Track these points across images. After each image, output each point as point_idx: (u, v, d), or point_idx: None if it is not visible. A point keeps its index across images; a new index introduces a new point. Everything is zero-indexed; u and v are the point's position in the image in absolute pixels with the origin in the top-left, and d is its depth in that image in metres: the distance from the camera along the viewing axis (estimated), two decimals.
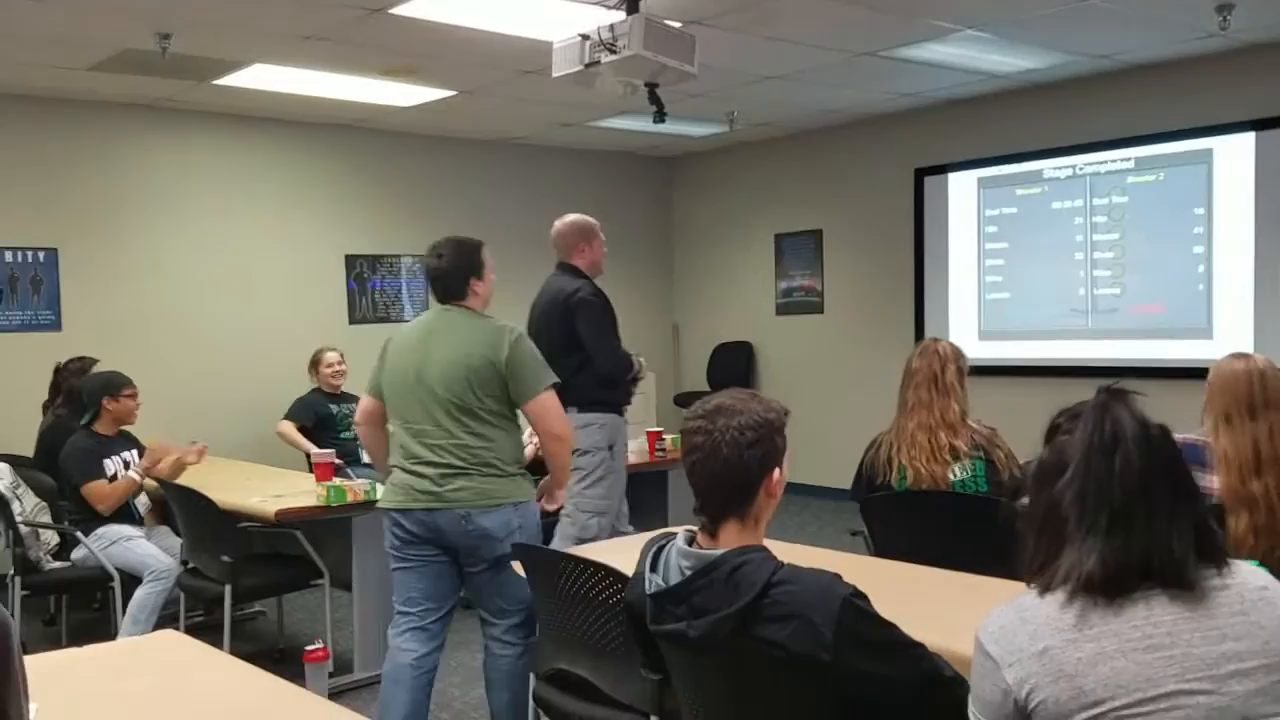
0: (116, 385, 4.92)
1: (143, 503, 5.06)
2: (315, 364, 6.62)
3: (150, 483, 4.91)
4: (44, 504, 4.97)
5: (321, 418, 6.48)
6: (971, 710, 1.55)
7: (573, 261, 4.49)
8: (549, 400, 3.36)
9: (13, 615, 3.28)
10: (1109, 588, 1.45)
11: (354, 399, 6.68)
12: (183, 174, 7.23)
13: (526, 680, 3.20)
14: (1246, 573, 1.50)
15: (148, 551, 4.75)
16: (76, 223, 6.83)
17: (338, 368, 6.60)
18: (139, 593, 4.62)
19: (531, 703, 3.03)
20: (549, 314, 4.38)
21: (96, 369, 5.65)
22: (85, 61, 5.84)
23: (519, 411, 3.41)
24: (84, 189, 6.86)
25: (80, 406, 5.07)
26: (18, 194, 6.64)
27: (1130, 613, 1.45)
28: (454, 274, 3.42)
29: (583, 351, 4.29)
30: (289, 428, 6.39)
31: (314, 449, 5.41)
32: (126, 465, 4.91)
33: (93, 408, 4.90)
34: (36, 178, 6.70)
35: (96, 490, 4.77)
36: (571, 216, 4.57)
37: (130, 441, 5.03)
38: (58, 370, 5.93)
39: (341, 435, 6.46)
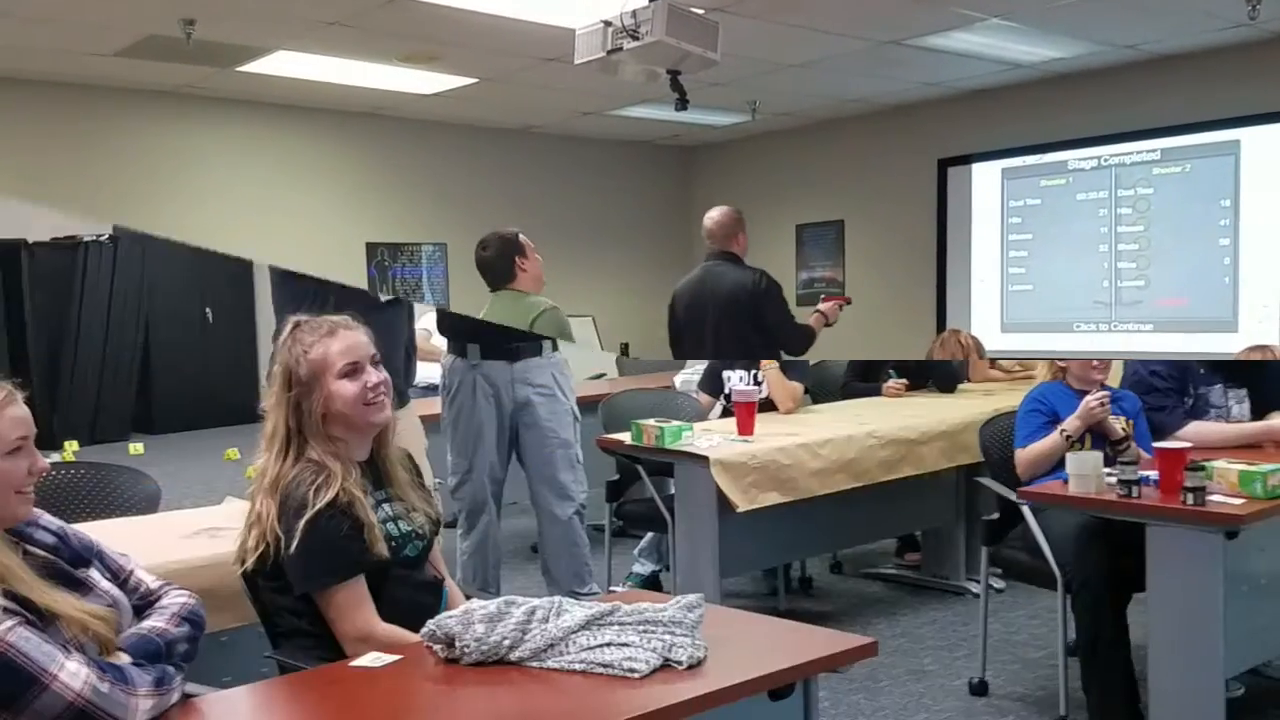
0: None
1: None
2: None
3: None
4: None
5: None
6: None
7: (730, 250, 4.61)
8: None
9: None
10: None
11: None
12: (204, 160, 7.26)
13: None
14: None
15: None
16: (98, 208, 6.87)
17: None
18: None
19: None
20: (733, 301, 4.49)
21: None
22: (110, 47, 5.86)
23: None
24: (106, 174, 6.89)
25: None
26: (41, 179, 6.69)
27: None
28: (498, 260, 3.70)
29: (769, 332, 4.53)
30: None
31: None
32: None
33: None
34: (59, 163, 6.74)
35: None
36: (723, 208, 4.72)
37: None
38: None
39: None
